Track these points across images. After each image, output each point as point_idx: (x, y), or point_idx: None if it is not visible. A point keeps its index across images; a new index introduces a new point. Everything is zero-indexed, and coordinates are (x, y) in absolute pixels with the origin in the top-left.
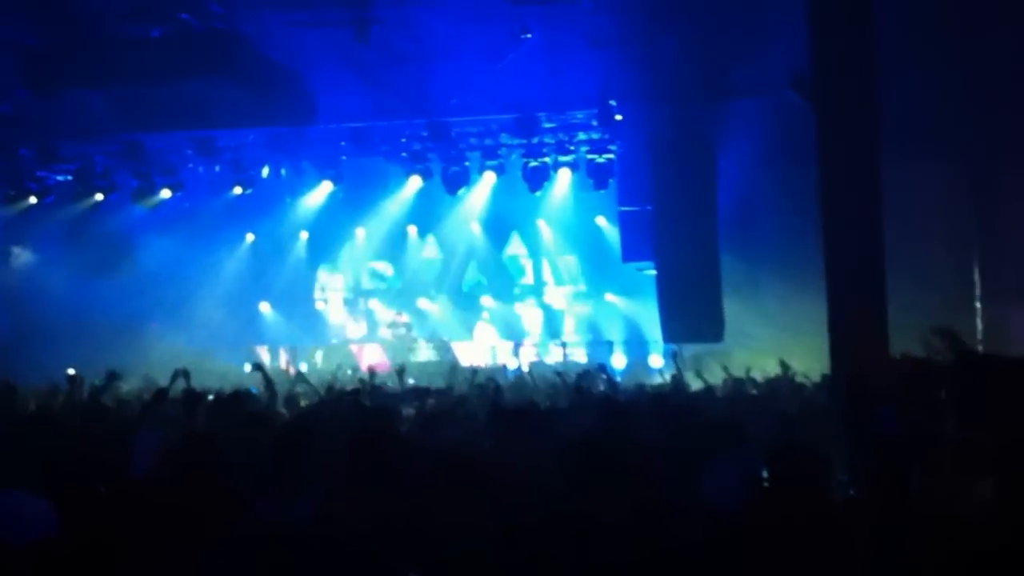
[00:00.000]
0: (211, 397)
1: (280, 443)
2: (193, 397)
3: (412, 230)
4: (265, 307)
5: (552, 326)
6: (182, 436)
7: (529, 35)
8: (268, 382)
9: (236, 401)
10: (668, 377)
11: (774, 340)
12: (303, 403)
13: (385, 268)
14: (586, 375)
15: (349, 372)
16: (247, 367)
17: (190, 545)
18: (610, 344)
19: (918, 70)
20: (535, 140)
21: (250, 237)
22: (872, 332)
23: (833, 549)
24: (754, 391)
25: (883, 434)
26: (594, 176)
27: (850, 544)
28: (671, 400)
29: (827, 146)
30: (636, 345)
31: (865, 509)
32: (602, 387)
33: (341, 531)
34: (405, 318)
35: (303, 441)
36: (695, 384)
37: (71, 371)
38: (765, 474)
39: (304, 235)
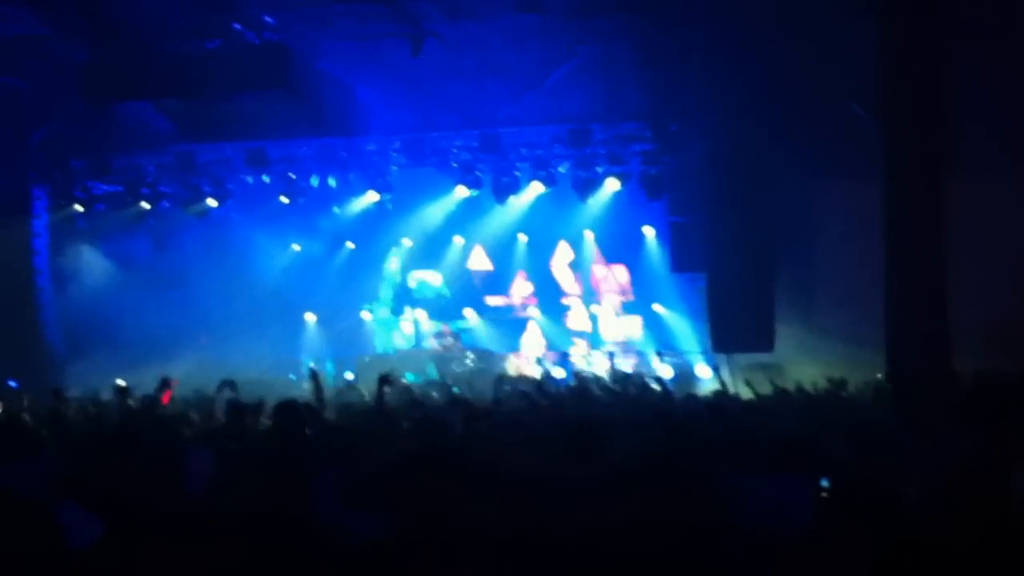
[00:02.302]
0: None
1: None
2: (239, 408)
3: (459, 240)
4: (310, 317)
5: (598, 336)
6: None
7: (580, 45)
8: (319, 391)
9: (286, 412)
10: (716, 388)
11: (829, 355)
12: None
13: (433, 278)
14: (637, 382)
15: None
16: (291, 376)
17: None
18: (657, 354)
19: (988, 87)
20: (587, 151)
21: (296, 247)
22: (934, 347)
23: (908, 566)
24: (804, 404)
25: (950, 451)
26: (647, 187)
27: (925, 561)
28: (729, 413)
29: (894, 163)
30: (681, 355)
31: (936, 526)
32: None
33: (415, 548)
34: (451, 328)
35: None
36: (744, 395)
37: (120, 382)
38: (824, 483)
39: (350, 245)
